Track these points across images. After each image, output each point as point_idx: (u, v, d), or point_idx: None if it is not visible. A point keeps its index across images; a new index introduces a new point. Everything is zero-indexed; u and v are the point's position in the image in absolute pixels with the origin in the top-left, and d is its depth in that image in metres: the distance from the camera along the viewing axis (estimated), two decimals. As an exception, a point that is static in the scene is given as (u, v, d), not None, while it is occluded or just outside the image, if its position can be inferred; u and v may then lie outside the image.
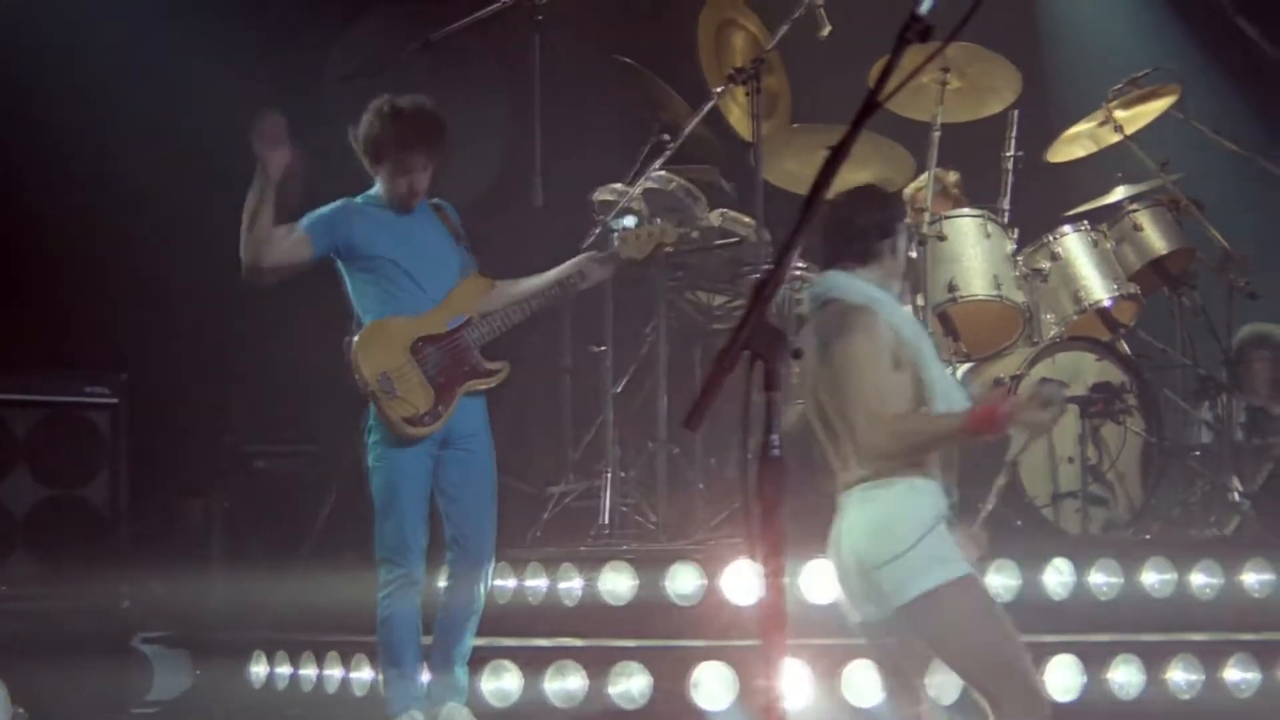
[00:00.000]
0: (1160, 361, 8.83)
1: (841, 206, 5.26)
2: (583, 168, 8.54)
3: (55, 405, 9.02)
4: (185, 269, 9.14)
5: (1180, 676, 7.20)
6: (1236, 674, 7.30)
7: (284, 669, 8.00)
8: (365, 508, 6.72)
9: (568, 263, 6.76)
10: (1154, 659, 7.16)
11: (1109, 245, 8.53)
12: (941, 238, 8.15)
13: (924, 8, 3.44)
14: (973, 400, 5.21)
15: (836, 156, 3.47)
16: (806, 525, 6.91)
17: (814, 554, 6.79)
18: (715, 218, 8.34)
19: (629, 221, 7.51)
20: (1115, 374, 8.05)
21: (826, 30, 8.12)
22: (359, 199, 6.71)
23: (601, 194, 8.20)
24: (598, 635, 7.05)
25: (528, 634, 7.21)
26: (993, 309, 8.20)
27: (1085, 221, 8.57)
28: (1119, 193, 8.86)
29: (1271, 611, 7.58)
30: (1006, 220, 8.53)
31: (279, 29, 9.22)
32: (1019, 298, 8.20)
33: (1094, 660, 7.05)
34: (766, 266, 7.64)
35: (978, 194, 8.82)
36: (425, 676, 6.63)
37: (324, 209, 6.63)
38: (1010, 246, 8.31)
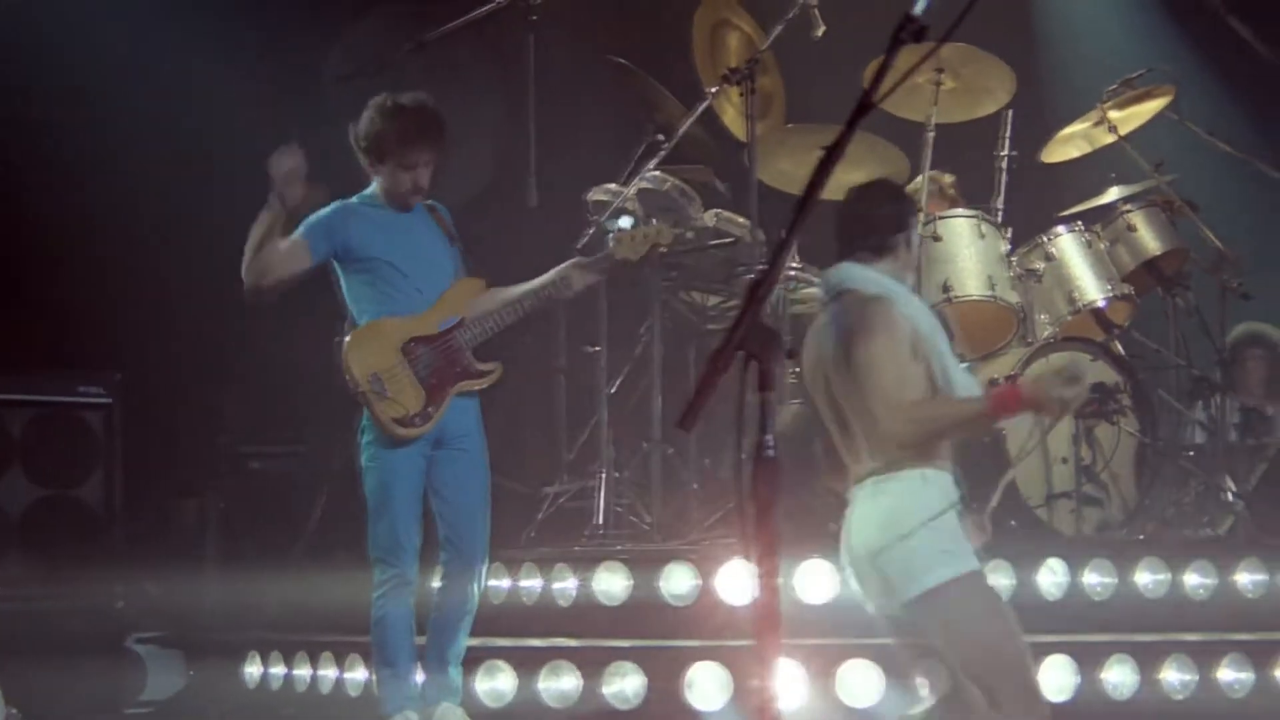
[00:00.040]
0: (1154, 362, 8.84)
1: (858, 200, 5.28)
2: (577, 168, 8.54)
3: (50, 405, 9.02)
4: (181, 269, 9.12)
5: (1174, 676, 7.21)
6: (1230, 674, 7.31)
7: (278, 669, 8.00)
8: (358, 508, 6.71)
9: (555, 269, 6.75)
10: (1148, 659, 7.17)
11: (1103, 246, 8.53)
12: (936, 238, 8.14)
13: (918, 8, 3.44)
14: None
15: (831, 157, 3.48)
16: (801, 525, 6.95)
17: (808, 554, 6.80)
18: (710, 218, 8.32)
19: (624, 222, 7.51)
20: (1109, 374, 8.05)
21: (820, 30, 8.12)
22: (355, 199, 6.70)
23: (596, 194, 8.19)
24: (592, 635, 7.05)
25: (522, 634, 7.20)
26: (987, 309, 8.19)
27: (1079, 222, 8.57)
28: (1113, 193, 8.86)
29: (1265, 612, 7.58)
30: (1001, 220, 8.54)
31: (279, 29, 9.21)
32: (1013, 298, 8.19)
33: (1088, 660, 7.05)
34: (761, 267, 7.66)
35: (972, 194, 8.83)
36: (419, 677, 6.63)
37: (320, 214, 6.61)
38: (1004, 247, 8.31)
